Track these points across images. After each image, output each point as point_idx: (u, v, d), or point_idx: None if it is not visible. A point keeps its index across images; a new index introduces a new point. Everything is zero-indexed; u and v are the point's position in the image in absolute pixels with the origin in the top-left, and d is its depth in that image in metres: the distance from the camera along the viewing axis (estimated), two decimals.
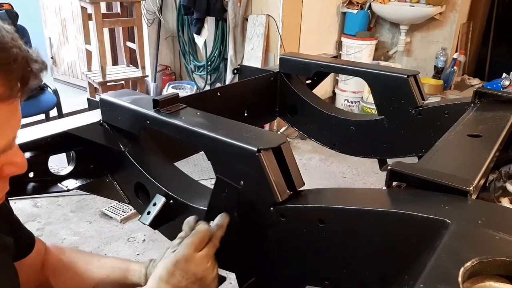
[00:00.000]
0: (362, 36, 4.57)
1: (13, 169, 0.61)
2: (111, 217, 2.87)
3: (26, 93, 0.56)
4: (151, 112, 0.96)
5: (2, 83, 0.52)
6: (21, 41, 0.56)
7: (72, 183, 1.14)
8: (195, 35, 4.29)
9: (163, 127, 0.94)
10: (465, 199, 0.69)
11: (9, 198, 0.89)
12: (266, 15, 3.94)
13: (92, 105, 1.20)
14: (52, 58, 5.26)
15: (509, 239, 0.56)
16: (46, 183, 1.11)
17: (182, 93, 1.08)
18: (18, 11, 3.49)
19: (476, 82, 5.05)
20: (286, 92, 1.61)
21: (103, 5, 4.26)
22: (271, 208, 0.77)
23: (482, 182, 0.81)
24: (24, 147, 0.96)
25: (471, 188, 0.69)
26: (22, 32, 3.46)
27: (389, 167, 0.76)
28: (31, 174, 1.02)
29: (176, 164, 1.16)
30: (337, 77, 4.82)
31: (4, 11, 3.38)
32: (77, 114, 1.17)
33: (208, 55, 4.48)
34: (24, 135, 0.99)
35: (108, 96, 1.08)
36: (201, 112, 0.96)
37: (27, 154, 1.00)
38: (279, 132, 3.91)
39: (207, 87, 4.59)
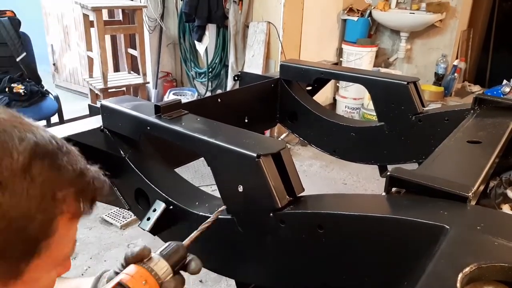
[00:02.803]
0: (362, 43, 4.58)
1: (63, 271, 0.63)
2: (111, 223, 2.87)
3: (90, 212, 0.60)
4: (152, 118, 0.97)
5: (80, 202, 0.56)
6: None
7: None
8: (196, 42, 4.31)
9: (164, 133, 0.95)
10: (464, 205, 0.69)
11: None
12: (267, 22, 3.96)
13: (93, 111, 1.21)
14: (54, 64, 5.29)
15: (507, 245, 0.56)
16: None
17: (183, 100, 1.08)
18: (21, 18, 3.52)
19: (476, 88, 5.06)
20: (286, 99, 1.62)
21: (105, 12, 4.29)
22: (271, 214, 0.77)
23: (481, 188, 0.81)
24: None
25: (470, 194, 0.69)
26: (24, 39, 3.49)
27: (388, 173, 0.77)
28: None
29: (176, 170, 1.16)
30: (337, 84, 4.83)
31: (7, 18, 3.41)
32: (78, 120, 1.17)
33: (209, 62, 4.50)
34: None
35: (109, 102, 1.08)
36: (201, 118, 0.97)
37: None
38: (279, 139, 3.91)
39: (208, 94, 4.60)
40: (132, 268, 0.64)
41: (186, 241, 0.69)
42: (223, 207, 0.78)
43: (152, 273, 0.63)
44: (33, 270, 0.53)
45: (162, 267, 0.64)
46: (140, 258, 0.65)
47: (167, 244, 0.67)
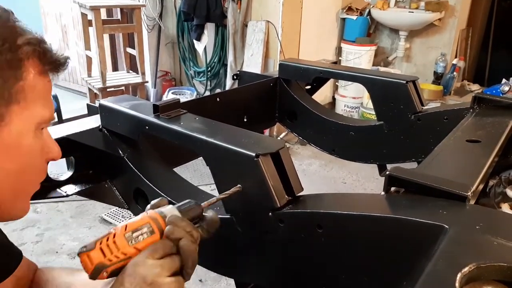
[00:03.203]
0: (361, 42, 4.58)
1: (51, 155, 0.72)
2: (110, 223, 2.87)
3: (59, 70, 0.70)
4: (151, 118, 0.96)
5: (41, 59, 0.66)
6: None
7: (71, 189, 1.14)
8: (195, 41, 4.31)
9: (162, 132, 0.95)
10: (463, 205, 0.69)
11: None
12: (266, 21, 3.95)
13: (91, 111, 1.21)
14: None
15: (507, 245, 0.56)
16: (46, 188, 1.11)
17: (182, 99, 1.08)
18: (19, 17, 3.52)
19: (475, 87, 5.06)
20: (285, 98, 1.62)
21: (103, 12, 4.28)
22: (270, 214, 0.77)
23: (480, 187, 0.81)
24: None
25: (469, 193, 0.69)
26: None
27: (387, 172, 0.76)
28: None
29: (175, 169, 1.16)
30: (337, 83, 4.83)
31: None
32: (77, 120, 1.17)
33: (208, 61, 4.49)
34: None
35: (107, 102, 1.08)
36: (200, 118, 0.97)
37: None
38: (279, 138, 3.91)
39: (207, 93, 4.60)
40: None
41: (204, 203, 0.70)
42: (239, 186, 0.78)
43: (158, 211, 0.66)
44: (14, 117, 0.62)
45: (167, 208, 0.66)
46: (158, 204, 0.68)
47: (186, 201, 0.68)
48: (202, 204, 0.69)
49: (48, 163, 0.73)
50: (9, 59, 0.61)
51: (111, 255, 0.61)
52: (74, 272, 0.89)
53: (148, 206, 0.69)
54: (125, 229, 0.63)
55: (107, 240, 0.62)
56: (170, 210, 0.66)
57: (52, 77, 0.70)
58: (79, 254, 0.62)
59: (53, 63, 0.68)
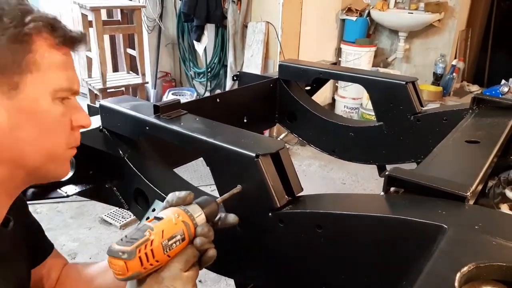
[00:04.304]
0: (361, 43, 4.59)
1: (80, 120, 0.77)
2: (110, 223, 2.87)
3: (76, 44, 0.76)
4: (151, 118, 0.97)
5: (51, 37, 0.71)
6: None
7: (71, 189, 1.14)
8: (195, 42, 4.31)
9: (163, 133, 0.95)
10: (462, 205, 0.69)
11: None
12: (266, 22, 3.96)
13: (92, 111, 1.21)
14: None
15: (506, 244, 0.56)
16: (46, 189, 1.11)
17: (182, 100, 1.09)
18: None
19: (475, 88, 5.07)
20: (285, 99, 1.62)
21: (103, 12, 4.29)
22: (270, 214, 0.77)
23: (479, 187, 0.81)
24: None
25: (468, 193, 0.70)
26: None
27: (386, 173, 0.77)
28: None
29: (175, 170, 1.16)
30: (336, 84, 4.83)
31: None
32: None
33: (208, 61, 4.50)
34: None
35: (108, 102, 1.09)
36: (200, 118, 0.97)
37: None
38: (278, 139, 3.91)
39: (207, 94, 4.60)
40: (169, 209, 0.67)
41: (219, 199, 0.73)
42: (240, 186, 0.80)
43: (188, 213, 0.66)
44: (28, 85, 0.68)
45: (196, 209, 0.67)
46: (185, 200, 0.69)
47: (202, 197, 0.70)
48: (217, 199, 0.72)
49: (78, 130, 0.78)
50: (16, 33, 0.66)
51: (147, 263, 0.61)
52: (92, 264, 0.98)
53: (174, 197, 0.69)
54: (162, 236, 0.62)
55: (145, 247, 0.61)
56: (199, 214, 0.67)
57: (70, 51, 0.75)
58: (114, 256, 0.60)
59: (64, 36, 0.72)
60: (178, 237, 0.64)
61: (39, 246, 0.94)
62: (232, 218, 0.72)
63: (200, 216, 0.67)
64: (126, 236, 0.62)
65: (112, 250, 0.60)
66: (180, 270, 0.64)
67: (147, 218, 0.98)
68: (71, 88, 0.74)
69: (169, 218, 0.64)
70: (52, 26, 0.71)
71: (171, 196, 0.69)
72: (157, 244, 0.61)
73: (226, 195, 0.74)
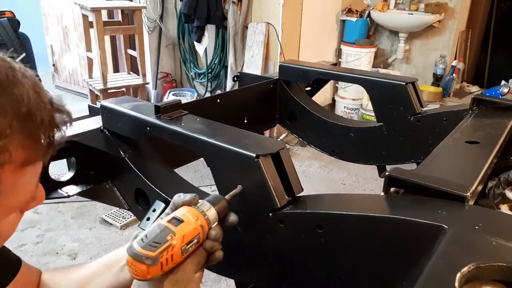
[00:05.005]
0: (361, 44, 4.59)
1: (34, 204, 0.64)
2: (111, 224, 2.87)
3: (51, 152, 0.58)
4: (152, 118, 0.97)
5: (29, 148, 0.53)
6: (41, 85, 0.56)
7: (72, 189, 1.14)
8: (195, 43, 4.32)
9: (163, 133, 0.95)
10: (462, 205, 0.69)
11: None
12: (266, 23, 3.96)
13: (93, 112, 1.21)
14: (53, 65, 5.29)
15: (505, 245, 0.56)
16: (47, 189, 1.11)
17: (183, 100, 1.09)
18: (20, 18, 3.52)
19: (475, 89, 5.07)
20: (285, 99, 1.62)
21: (104, 13, 4.29)
22: (270, 214, 0.77)
23: (479, 188, 0.82)
24: None
25: (468, 194, 0.70)
26: (24, 40, 3.49)
27: (386, 173, 0.77)
28: None
29: (176, 170, 1.16)
30: (336, 84, 4.83)
31: (6, 19, 3.41)
32: (78, 121, 1.18)
33: (208, 62, 4.50)
34: None
35: (108, 103, 1.09)
36: (201, 119, 0.97)
37: None
38: (279, 139, 3.91)
39: (208, 94, 4.60)
40: (186, 208, 0.67)
41: (227, 196, 0.73)
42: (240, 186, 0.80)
43: (205, 216, 0.67)
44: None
45: (212, 213, 0.68)
46: (190, 203, 0.68)
47: (212, 195, 0.71)
48: (226, 197, 0.72)
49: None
50: None
51: (166, 267, 0.62)
52: (81, 267, 0.88)
53: (179, 200, 0.68)
54: (183, 241, 0.63)
55: (167, 253, 0.61)
56: (214, 217, 0.68)
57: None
58: (137, 260, 0.60)
59: (50, 138, 0.57)
60: (195, 240, 0.65)
61: (5, 266, 0.83)
62: (232, 217, 0.73)
63: (214, 218, 0.69)
64: (146, 236, 0.61)
65: (136, 253, 0.60)
66: (193, 272, 0.66)
67: (148, 219, 0.98)
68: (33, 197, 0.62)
69: (189, 222, 0.65)
70: (35, 133, 0.54)
71: (177, 199, 0.69)
72: (177, 250, 0.62)
73: (232, 193, 0.75)
